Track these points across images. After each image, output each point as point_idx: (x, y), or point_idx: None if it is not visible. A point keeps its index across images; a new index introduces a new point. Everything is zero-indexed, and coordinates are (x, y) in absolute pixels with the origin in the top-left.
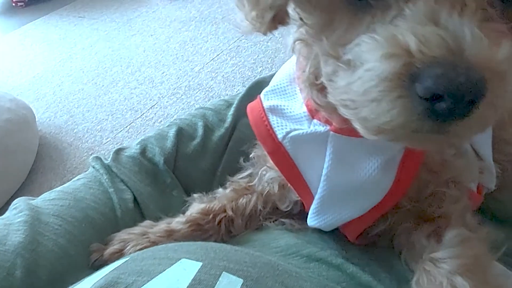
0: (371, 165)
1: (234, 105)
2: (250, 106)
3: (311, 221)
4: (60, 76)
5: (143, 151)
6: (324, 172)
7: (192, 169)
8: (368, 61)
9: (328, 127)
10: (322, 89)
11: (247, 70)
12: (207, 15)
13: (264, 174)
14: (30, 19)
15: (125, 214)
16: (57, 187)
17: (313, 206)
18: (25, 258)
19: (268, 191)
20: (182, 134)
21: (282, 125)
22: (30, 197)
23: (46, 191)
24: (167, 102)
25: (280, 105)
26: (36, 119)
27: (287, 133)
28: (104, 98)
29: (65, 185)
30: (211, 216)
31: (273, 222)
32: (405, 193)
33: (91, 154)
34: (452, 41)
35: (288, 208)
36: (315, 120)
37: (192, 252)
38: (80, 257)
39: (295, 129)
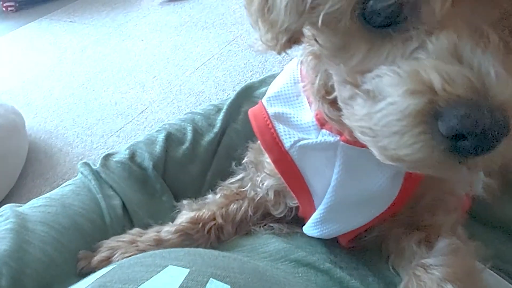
0: (380, 176)
1: (223, 110)
2: (253, 113)
3: (311, 230)
4: (50, 81)
5: (132, 156)
6: (333, 183)
7: (182, 174)
8: (391, 96)
9: (338, 138)
10: (333, 103)
11: (238, 74)
12: (198, 19)
13: (261, 181)
14: (20, 23)
15: (113, 221)
16: (46, 192)
17: (316, 216)
18: (11, 267)
19: (261, 197)
20: (171, 139)
21: (289, 134)
22: (17, 204)
23: (35, 197)
24: (158, 106)
25: (286, 113)
26: (26, 124)
27: (295, 142)
28: (94, 103)
29: (53, 191)
30: (200, 224)
31: (262, 227)
32: (406, 202)
33: (81, 160)
34: (477, 80)
35: (282, 214)
36: (324, 130)
37: (180, 259)
38: (67, 265)
39: (303, 138)
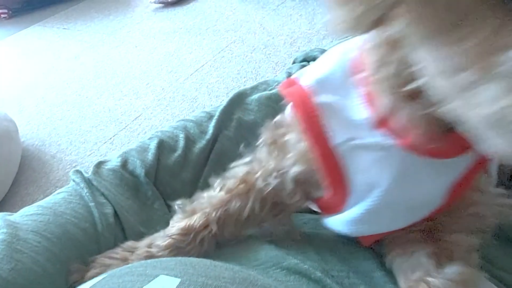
0: (432, 185)
1: (215, 117)
2: (296, 98)
3: (342, 226)
4: (43, 88)
5: (124, 164)
6: (383, 187)
7: (174, 181)
8: None
9: (395, 141)
10: (413, 97)
11: (232, 81)
12: (191, 26)
13: (284, 167)
14: (13, 31)
15: (105, 229)
16: (39, 200)
17: (353, 215)
18: (2, 278)
19: (272, 188)
20: (164, 146)
21: (338, 130)
22: (9, 213)
23: (28, 204)
24: (151, 113)
25: (337, 104)
26: (19, 131)
27: (348, 139)
28: (88, 110)
29: (45, 199)
30: (191, 235)
31: (257, 226)
32: (443, 211)
33: (74, 167)
34: None
35: (298, 204)
36: (379, 130)
37: (171, 268)
38: (59, 275)
39: (355, 137)
